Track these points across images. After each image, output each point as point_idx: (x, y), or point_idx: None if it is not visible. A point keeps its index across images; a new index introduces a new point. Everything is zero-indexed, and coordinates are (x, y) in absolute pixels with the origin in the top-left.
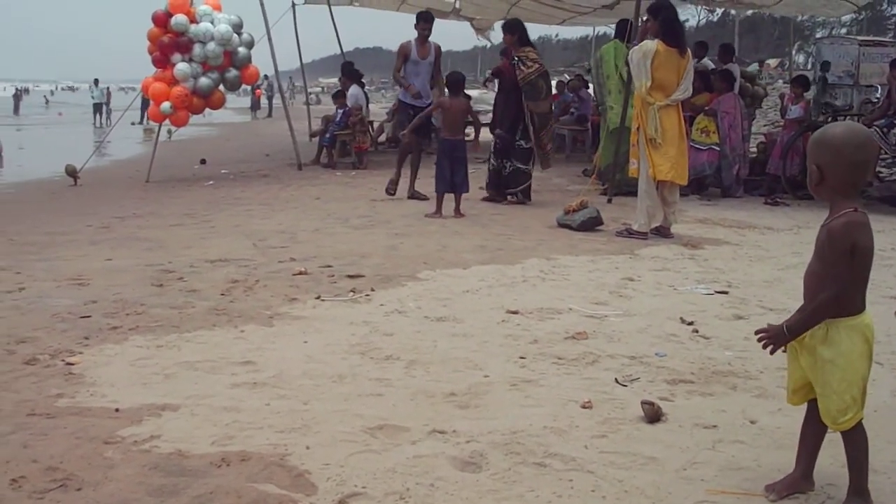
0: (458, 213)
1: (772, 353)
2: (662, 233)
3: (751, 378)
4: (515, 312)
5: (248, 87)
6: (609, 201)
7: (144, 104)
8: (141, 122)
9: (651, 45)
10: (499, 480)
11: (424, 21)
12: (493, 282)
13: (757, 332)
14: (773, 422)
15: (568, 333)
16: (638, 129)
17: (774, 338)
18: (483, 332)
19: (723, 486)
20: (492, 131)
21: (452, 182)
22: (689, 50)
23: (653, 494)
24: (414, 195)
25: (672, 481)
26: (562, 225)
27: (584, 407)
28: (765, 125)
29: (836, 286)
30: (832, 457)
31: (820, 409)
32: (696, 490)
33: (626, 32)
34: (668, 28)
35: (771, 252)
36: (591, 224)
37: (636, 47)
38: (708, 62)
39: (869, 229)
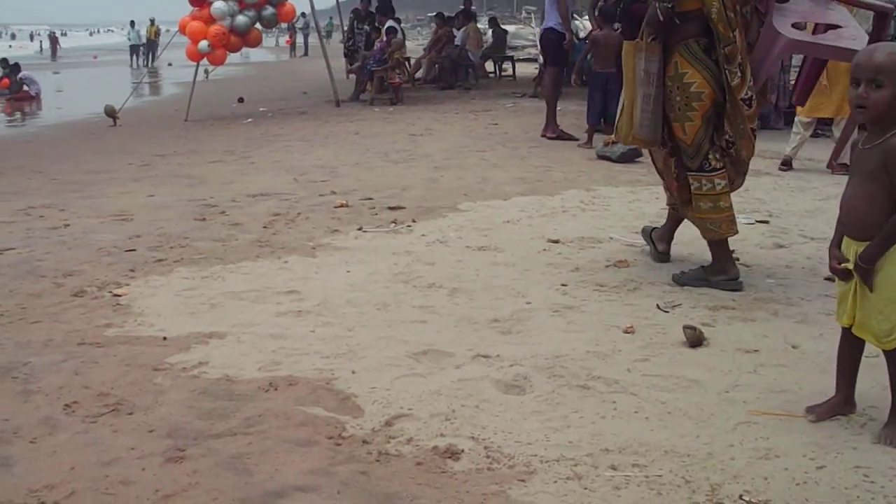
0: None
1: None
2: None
3: (792, 304)
4: (556, 241)
5: (285, 26)
6: None
7: (149, 46)
8: (146, 65)
9: None
10: (543, 402)
11: None
12: (532, 212)
13: (833, 271)
14: (815, 346)
15: (609, 262)
16: None
17: (860, 273)
18: (524, 261)
19: (764, 407)
20: None
21: (606, 114)
22: None
23: (695, 415)
24: (560, 135)
25: (714, 403)
26: (601, 157)
27: (626, 332)
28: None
29: None
30: (874, 380)
31: (864, 328)
32: (738, 411)
33: None
34: None
35: (812, 183)
36: (631, 155)
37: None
38: None
39: None
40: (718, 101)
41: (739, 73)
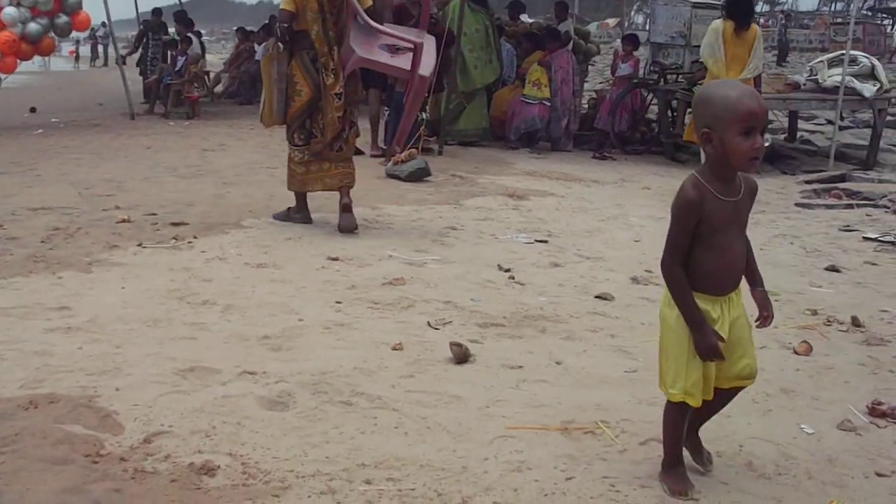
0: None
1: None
2: None
3: (560, 322)
4: (336, 259)
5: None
6: (439, 153)
7: None
8: None
9: (719, 23)
10: (304, 418)
11: None
12: (315, 230)
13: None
14: (577, 362)
15: (386, 279)
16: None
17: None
18: (302, 278)
19: (522, 422)
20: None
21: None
22: (754, 25)
23: (454, 430)
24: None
25: (474, 418)
26: (391, 176)
27: (394, 349)
28: (600, 82)
29: None
30: (630, 394)
31: (750, 366)
32: (496, 426)
33: None
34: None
35: (594, 203)
36: (420, 175)
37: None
38: (569, 24)
39: None
40: (314, 97)
41: (333, 76)
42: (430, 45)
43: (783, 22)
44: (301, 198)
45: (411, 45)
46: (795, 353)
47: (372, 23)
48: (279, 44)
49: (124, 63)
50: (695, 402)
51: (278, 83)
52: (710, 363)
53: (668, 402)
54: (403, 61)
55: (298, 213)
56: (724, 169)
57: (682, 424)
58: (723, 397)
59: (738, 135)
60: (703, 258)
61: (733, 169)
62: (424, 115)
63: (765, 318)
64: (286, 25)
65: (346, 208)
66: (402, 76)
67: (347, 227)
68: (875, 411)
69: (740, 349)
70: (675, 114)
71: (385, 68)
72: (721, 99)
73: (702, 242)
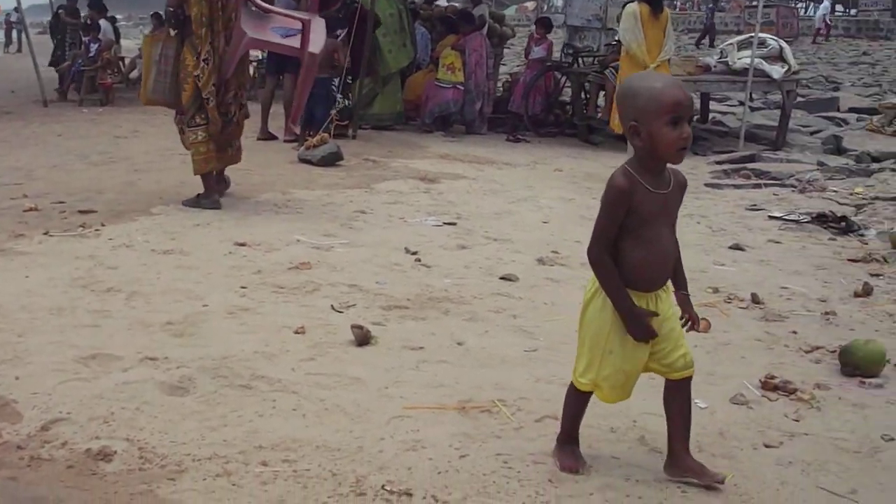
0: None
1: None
2: None
3: (464, 303)
4: (243, 245)
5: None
6: (353, 137)
7: None
8: None
9: (635, 6)
10: (203, 403)
11: None
12: (224, 216)
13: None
14: (479, 343)
15: (292, 264)
16: None
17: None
18: (208, 264)
19: (420, 402)
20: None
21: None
22: (665, 8)
23: (352, 412)
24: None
25: (372, 399)
26: (303, 160)
27: (297, 332)
28: (517, 65)
29: None
30: (529, 372)
31: (685, 357)
32: (394, 406)
33: None
34: None
35: (505, 186)
36: (332, 159)
37: (625, 11)
38: (484, 7)
39: None
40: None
41: (209, 62)
42: (318, 24)
43: (711, 6)
44: (209, 183)
45: (300, 25)
46: (695, 330)
47: (262, 4)
48: (169, 29)
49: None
50: (602, 396)
51: (159, 64)
52: (634, 361)
53: (573, 386)
54: (294, 40)
55: (207, 199)
56: (652, 161)
57: (583, 409)
58: (676, 395)
59: (666, 125)
60: (632, 250)
61: (662, 160)
62: (347, 102)
63: (688, 320)
64: (172, 10)
65: (220, 178)
66: (293, 55)
67: (222, 189)
68: (767, 385)
69: (671, 342)
70: (588, 96)
71: (276, 47)
72: (646, 91)
73: (630, 234)
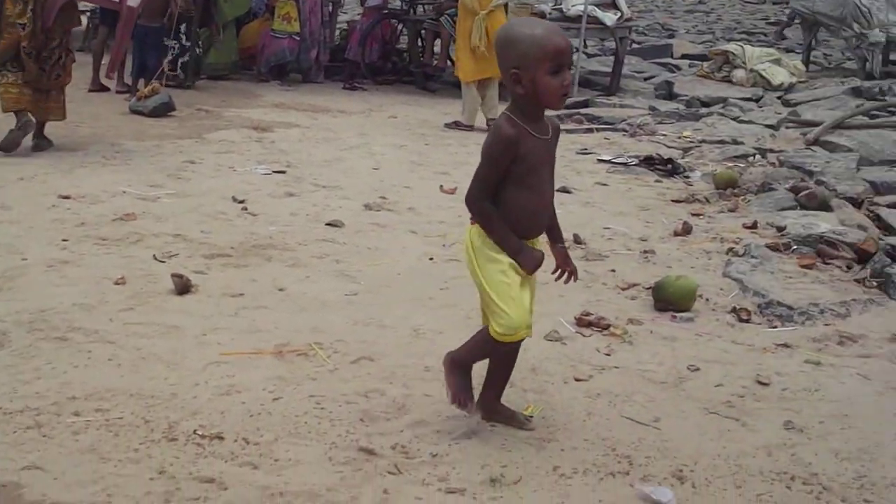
0: None
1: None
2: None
3: (288, 250)
4: (67, 197)
5: None
6: (188, 87)
7: None
8: None
9: None
10: (17, 356)
11: None
12: (50, 168)
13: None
14: (300, 288)
15: (117, 215)
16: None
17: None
18: (30, 218)
19: (237, 348)
20: None
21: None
22: None
23: (168, 359)
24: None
25: (189, 347)
26: (134, 111)
27: (117, 283)
28: (358, 13)
29: None
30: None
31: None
32: (211, 353)
33: None
34: None
35: (338, 134)
36: (164, 110)
37: None
38: None
39: None
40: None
41: (22, 4)
42: None
43: None
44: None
45: None
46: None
47: None
48: None
49: None
50: (529, 332)
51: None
52: (527, 297)
53: (496, 341)
54: None
55: (19, 127)
56: (534, 108)
57: (514, 360)
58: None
59: (548, 73)
60: (515, 198)
61: (543, 107)
62: (198, 50)
63: (568, 272)
64: None
65: (40, 133)
66: (112, 7)
67: (44, 147)
68: (582, 321)
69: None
70: (424, 43)
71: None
72: (527, 38)
73: (515, 181)
